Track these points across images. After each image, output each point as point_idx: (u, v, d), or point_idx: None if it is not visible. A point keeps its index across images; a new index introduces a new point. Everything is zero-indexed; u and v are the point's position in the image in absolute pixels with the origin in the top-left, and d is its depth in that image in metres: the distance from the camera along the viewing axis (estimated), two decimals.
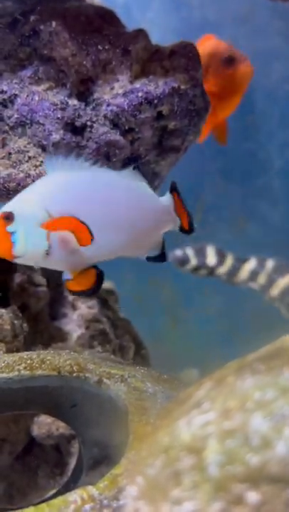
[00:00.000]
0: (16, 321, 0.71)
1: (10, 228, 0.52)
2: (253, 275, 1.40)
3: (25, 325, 0.73)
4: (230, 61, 0.88)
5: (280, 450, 0.31)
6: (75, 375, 0.56)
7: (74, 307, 0.85)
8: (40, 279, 0.80)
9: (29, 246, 0.53)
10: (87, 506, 0.44)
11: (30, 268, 0.80)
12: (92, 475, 0.65)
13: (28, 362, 0.57)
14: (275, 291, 1.40)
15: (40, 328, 0.79)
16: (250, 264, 1.40)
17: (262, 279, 1.40)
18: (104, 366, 0.57)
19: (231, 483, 0.31)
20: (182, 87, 0.69)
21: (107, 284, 1.00)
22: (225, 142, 0.97)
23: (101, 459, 0.66)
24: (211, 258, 1.40)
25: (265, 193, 1.49)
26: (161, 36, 0.78)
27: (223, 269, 1.40)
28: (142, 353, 0.90)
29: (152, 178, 0.76)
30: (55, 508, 0.44)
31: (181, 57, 0.70)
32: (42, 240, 0.54)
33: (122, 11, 0.79)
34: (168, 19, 1.37)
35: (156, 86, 0.68)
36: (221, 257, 1.41)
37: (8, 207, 0.54)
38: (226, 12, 1.37)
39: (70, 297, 0.86)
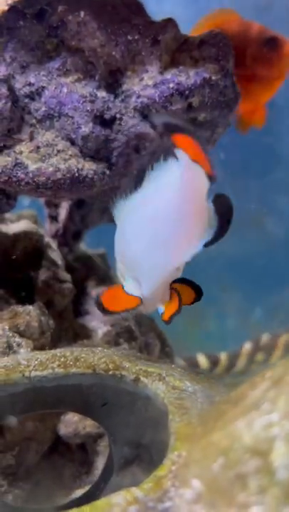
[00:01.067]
0: (42, 318, 0.70)
1: None
2: (251, 359, 1.43)
3: (51, 322, 0.72)
4: (273, 42, 0.81)
5: None
6: (110, 373, 0.55)
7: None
8: (64, 275, 0.79)
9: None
10: (132, 508, 0.42)
11: (54, 264, 0.79)
12: (122, 475, 0.64)
13: (62, 359, 0.56)
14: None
15: (65, 326, 0.78)
16: (246, 348, 1.42)
17: (259, 357, 1.43)
18: (141, 364, 0.55)
19: None
20: (213, 77, 0.67)
21: None
22: (262, 124, 0.92)
23: (132, 459, 0.64)
24: (204, 365, 1.43)
25: (284, 187, 1.47)
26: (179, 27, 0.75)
27: (219, 369, 1.43)
28: (166, 350, 0.88)
29: None
30: (99, 510, 0.43)
31: (212, 46, 0.68)
32: None
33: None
34: (185, 10, 1.35)
35: (187, 77, 0.66)
36: (214, 360, 1.43)
37: None
38: (245, 1, 1.34)
39: (94, 293, 0.84)
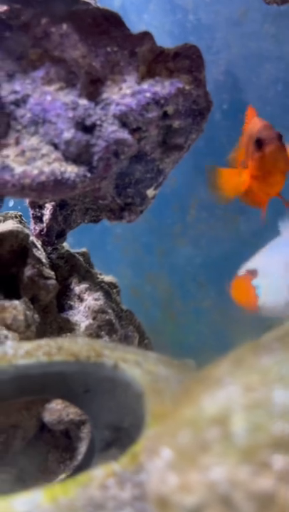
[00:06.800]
0: (28, 312, 0.74)
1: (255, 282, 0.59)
2: None
3: (36, 316, 0.76)
4: (259, 143, 0.88)
5: None
6: (92, 360, 0.59)
7: (80, 299, 0.88)
8: (49, 272, 0.83)
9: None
10: (110, 480, 0.47)
11: (39, 262, 0.83)
12: (103, 457, 0.69)
13: (46, 348, 0.60)
14: None
15: (50, 320, 0.82)
16: None
17: None
18: (119, 352, 0.60)
19: (258, 449, 0.34)
20: (186, 87, 0.72)
21: (109, 278, 1.03)
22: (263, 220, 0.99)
23: (112, 442, 0.69)
24: None
25: None
26: (156, 38, 0.81)
27: None
28: (144, 342, 0.93)
29: (156, 175, 0.79)
30: (81, 483, 0.47)
31: (185, 58, 0.74)
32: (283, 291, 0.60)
33: (119, 12, 0.81)
34: (163, 21, 1.40)
35: (162, 87, 0.71)
36: None
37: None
38: (219, 15, 1.40)
39: (77, 290, 0.89)
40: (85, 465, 0.70)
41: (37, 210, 0.90)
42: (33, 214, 0.91)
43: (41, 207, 0.90)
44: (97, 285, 0.93)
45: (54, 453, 0.81)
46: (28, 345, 0.61)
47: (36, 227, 0.90)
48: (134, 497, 0.47)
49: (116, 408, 0.66)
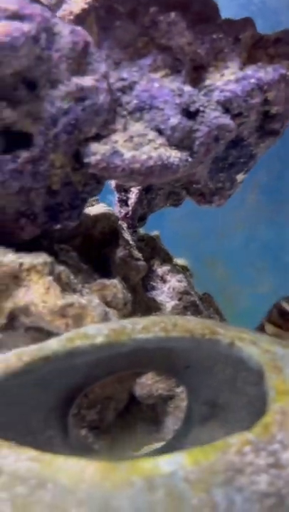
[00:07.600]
0: (124, 291, 0.77)
1: None
2: None
3: (129, 294, 0.79)
4: None
5: None
6: (207, 337, 0.62)
7: (163, 280, 0.91)
8: (137, 253, 0.86)
9: None
10: (247, 448, 0.50)
11: (128, 243, 0.86)
12: (201, 430, 0.72)
13: (162, 325, 0.63)
14: None
15: (138, 299, 0.85)
16: None
17: None
18: (234, 331, 0.63)
19: None
20: (288, 73, 0.74)
21: (181, 261, 1.06)
22: None
23: (208, 416, 0.72)
24: None
25: None
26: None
27: None
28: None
29: (249, 160, 0.81)
30: (220, 449, 0.50)
31: (287, 44, 0.75)
32: None
33: None
34: (228, 4, 1.39)
35: (265, 72, 0.73)
36: None
37: None
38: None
39: (159, 271, 0.92)
40: (182, 436, 0.73)
41: (122, 193, 0.93)
42: (118, 198, 0.94)
43: (127, 191, 0.93)
44: (174, 267, 0.96)
45: (141, 425, 0.85)
46: (143, 321, 0.64)
47: (122, 211, 0.93)
48: (269, 464, 0.50)
49: (214, 385, 0.69)
